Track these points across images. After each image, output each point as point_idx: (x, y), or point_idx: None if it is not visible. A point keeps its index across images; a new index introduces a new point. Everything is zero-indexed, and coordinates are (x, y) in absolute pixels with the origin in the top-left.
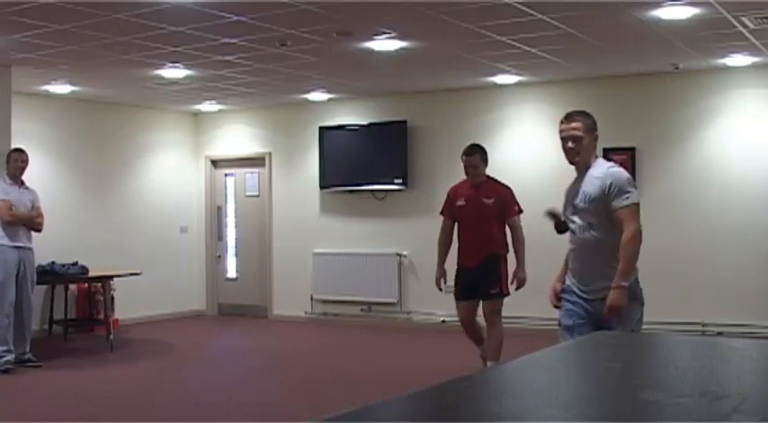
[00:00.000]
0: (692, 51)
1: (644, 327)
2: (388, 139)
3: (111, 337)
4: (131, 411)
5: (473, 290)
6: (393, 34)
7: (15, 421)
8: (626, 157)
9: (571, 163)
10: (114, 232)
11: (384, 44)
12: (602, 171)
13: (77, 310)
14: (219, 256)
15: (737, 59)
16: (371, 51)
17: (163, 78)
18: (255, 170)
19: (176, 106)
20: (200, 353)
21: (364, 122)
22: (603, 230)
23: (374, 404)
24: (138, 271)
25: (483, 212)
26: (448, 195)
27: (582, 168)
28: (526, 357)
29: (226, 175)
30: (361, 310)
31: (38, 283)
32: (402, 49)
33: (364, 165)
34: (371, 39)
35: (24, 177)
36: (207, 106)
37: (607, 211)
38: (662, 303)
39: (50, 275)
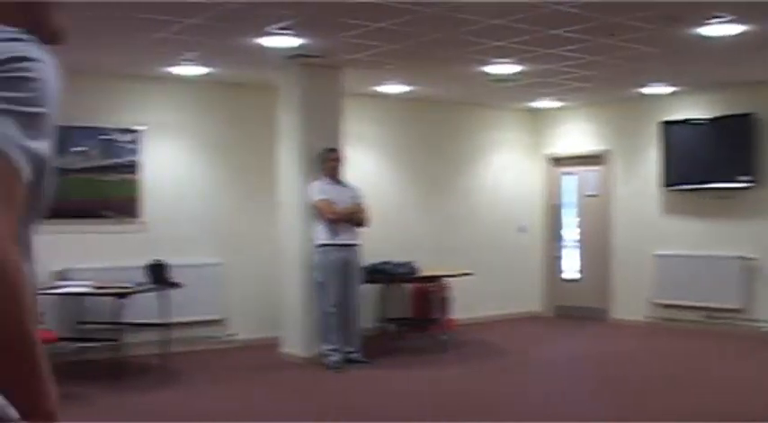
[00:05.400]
0: None
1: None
2: (735, 134)
3: (445, 337)
4: (461, 414)
5: None
6: (729, 18)
7: (340, 420)
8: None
9: None
10: (448, 232)
11: (720, 29)
12: None
13: (413, 309)
14: (558, 257)
15: None
16: (707, 38)
17: (490, 75)
18: (594, 168)
19: (512, 103)
20: (534, 356)
21: (709, 116)
22: None
23: None
24: (470, 271)
25: None
26: None
27: None
28: None
29: (563, 173)
30: (703, 316)
31: (368, 282)
32: (742, 33)
33: (709, 161)
34: (704, 24)
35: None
36: (544, 103)
37: None
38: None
39: (380, 274)
